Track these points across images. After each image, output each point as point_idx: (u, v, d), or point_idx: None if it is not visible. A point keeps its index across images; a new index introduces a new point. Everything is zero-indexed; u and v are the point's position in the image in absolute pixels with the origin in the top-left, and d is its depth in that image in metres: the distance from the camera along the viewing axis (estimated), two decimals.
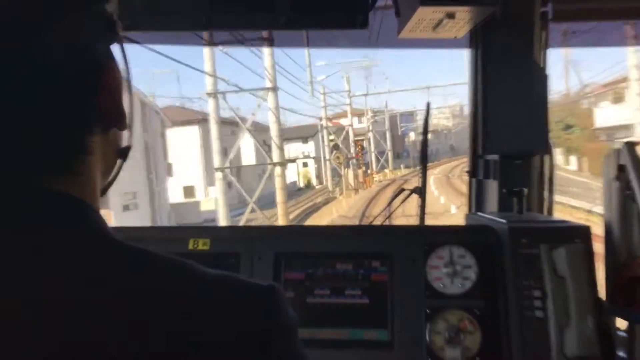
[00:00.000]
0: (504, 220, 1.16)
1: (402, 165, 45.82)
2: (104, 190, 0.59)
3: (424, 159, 1.53)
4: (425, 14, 1.27)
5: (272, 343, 0.47)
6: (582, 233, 1.07)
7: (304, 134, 42.48)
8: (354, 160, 31.63)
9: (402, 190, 1.57)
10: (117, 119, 0.55)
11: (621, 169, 1.05)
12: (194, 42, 1.70)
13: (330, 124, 35.91)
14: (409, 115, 54.01)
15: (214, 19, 1.35)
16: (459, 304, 1.12)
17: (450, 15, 1.26)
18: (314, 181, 39.49)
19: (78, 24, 0.50)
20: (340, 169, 29.18)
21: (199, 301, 0.46)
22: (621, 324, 1.14)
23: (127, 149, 0.60)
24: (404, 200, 1.57)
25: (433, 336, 1.09)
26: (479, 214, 1.37)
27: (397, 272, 1.16)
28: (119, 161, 0.60)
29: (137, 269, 0.47)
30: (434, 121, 59.91)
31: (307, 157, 39.37)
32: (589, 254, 1.05)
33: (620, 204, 1.08)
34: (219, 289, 0.48)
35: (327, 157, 32.20)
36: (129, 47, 0.60)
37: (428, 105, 1.55)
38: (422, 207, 1.50)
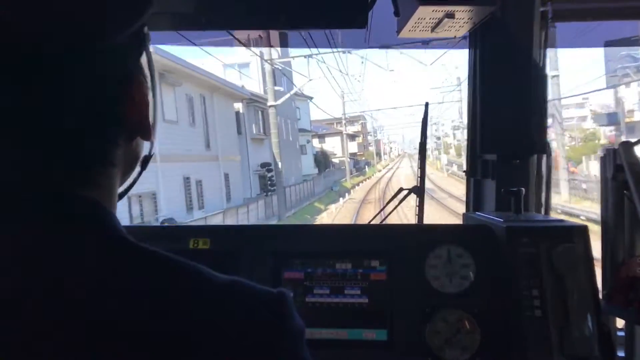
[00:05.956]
0: (501, 220, 1.16)
1: None
2: (122, 195, 0.60)
3: (422, 157, 1.53)
4: (425, 14, 1.27)
5: (279, 350, 0.47)
6: (580, 233, 1.07)
7: None
8: None
9: (401, 189, 1.57)
10: (141, 130, 0.56)
11: (618, 168, 1.05)
12: (194, 42, 1.70)
13: None
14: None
15: (214, 19, 1.35)
16: (457, 303, 1.12)
17: (450, 15, 1.27)
18: None
19: (116, 42, 0.50)
20: None
21: (206, 305, 0.46)
22: (620, 323, 1.14)
23: (148, 158, 0.61)
24: (402, 200, 1.57)
25: (432, 336, 1.10)
26: (477, 213, 1.37)
27: (396, 271, 1.16)
28: (138, 168, 0.60)
29: (148, 271, 0.47)
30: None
31: None
32: (587, 254, 1.05)
33: (617, 203, 1.08)
34: (227, 293, 0.48)
35: None
36: None
37: (427, 104, 1.55)
38: (420, 206, 1.50)
